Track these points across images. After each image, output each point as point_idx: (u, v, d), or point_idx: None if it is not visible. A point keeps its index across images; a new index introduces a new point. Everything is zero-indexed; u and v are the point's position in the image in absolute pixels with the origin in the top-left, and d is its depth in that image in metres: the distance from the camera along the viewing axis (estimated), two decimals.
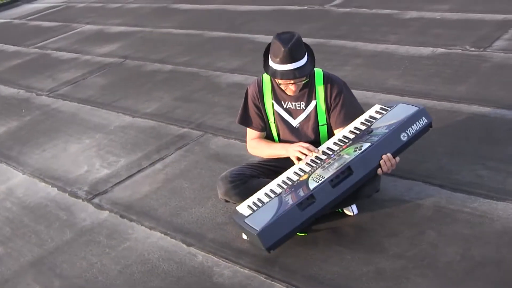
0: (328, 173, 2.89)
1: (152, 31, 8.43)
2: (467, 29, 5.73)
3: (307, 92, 3.21)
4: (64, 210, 3.97)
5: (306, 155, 3.11)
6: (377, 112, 3.21)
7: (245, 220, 2.94)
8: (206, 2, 9.52)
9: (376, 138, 2.94)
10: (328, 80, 3.20)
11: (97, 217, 3.79)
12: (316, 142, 3.27)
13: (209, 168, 4.10)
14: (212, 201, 3.67)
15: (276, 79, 3.11)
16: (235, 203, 3.26)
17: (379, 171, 2.91)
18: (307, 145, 3.14)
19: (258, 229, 2.79)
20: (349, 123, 3.20)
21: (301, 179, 3.00)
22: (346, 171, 2.87)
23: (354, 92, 3.33)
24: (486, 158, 3.51)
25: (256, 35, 7.05)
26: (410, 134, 2.96)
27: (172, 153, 4.46)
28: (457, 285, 2.61)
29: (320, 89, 3.20)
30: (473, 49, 5.21)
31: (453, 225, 2.99)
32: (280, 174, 3.24)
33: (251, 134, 3.42)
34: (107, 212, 3.83)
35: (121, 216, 3.74)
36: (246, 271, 2.98)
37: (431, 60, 5.16)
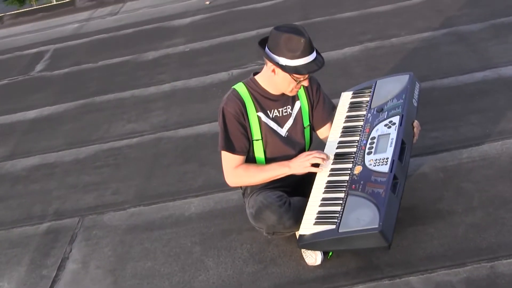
0: (385, 154, 2.79)
1: None
2: None
3: None
4: None
5: (323, 159, 2.90)
6: (355, 96, 3.21)
7: (339, 231, 2.59)
8: None
9: (400, 110, 2.96)
10: None
11: None
12: (303, 149, 3.10)
13: (154, 239, 3.40)
14: (209, 261, 3.09)
15: (299, 76, 2.81)
16: (281, 233, 2.91)
17: (414, 139, 2.95)
18: (316, 151, 2.93)
19: (377, 227, 2.50)
20: (331, 118, 3.14)
21: (355, 172, 2.80)
22: (401, 145, 2.82)
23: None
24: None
25: None
26: (416, 99, 3.10)
27: (71, 249, 3.49)
28: None
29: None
30: None
31: (474, 173, 3.25)
32: (286, 192, 2.97)
33: (235, 161, 2.97)
34: None
35: None
36: (361, 286, 2.64)
37: (226, 83, 5.23)
